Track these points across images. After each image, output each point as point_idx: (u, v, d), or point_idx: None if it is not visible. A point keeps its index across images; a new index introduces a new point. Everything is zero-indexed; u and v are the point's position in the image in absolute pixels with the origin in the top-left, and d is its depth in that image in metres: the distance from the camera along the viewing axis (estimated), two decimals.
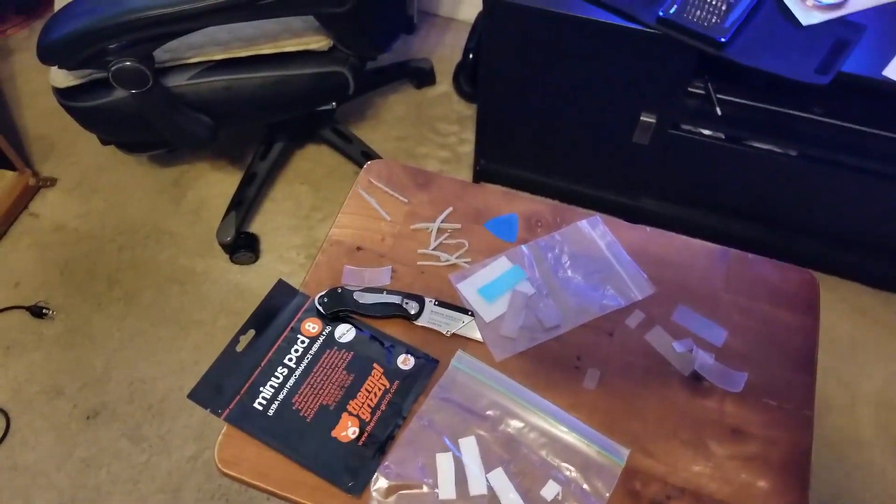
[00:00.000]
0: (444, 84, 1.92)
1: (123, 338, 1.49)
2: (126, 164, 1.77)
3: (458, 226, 0.77)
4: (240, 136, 1.80)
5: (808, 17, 1.21)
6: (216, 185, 1.72)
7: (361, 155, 1.68)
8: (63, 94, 1.17)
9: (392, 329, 0.70)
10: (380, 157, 1.72)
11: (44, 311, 1.50)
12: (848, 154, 1.31)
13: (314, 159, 1.77)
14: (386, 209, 0.78)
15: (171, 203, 1.70)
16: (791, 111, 1.31)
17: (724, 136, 1.38)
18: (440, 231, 0.76)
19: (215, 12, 0.96)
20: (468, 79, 1.84)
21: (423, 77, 1.90)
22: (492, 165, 1.69)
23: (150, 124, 1.18)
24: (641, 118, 1.39)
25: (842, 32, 1.18)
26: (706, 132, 1.39)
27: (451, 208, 0.78)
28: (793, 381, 0.64)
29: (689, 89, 1.35)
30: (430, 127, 1.84)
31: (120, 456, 1.35)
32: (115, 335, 1.49)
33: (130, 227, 1.66)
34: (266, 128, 1.68)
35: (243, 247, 1.58)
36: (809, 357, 0.66)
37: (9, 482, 1.32)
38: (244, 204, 1.59)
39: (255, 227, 1.65)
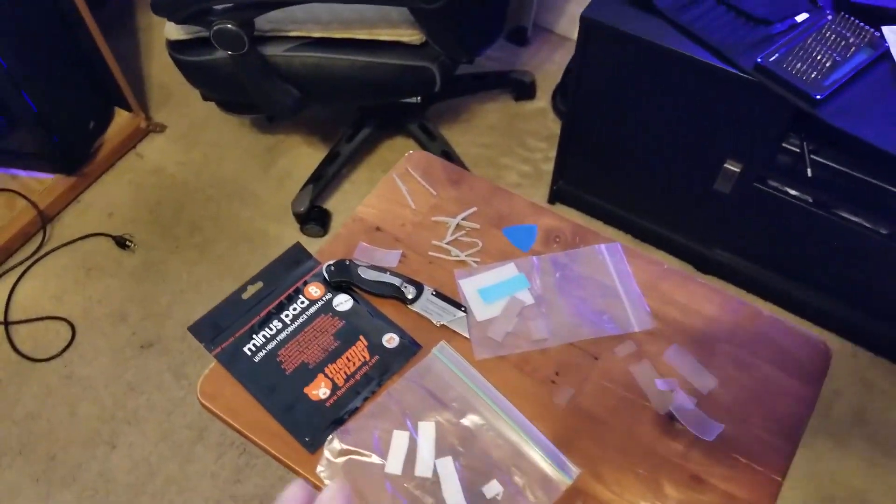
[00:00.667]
0: (542, 100, 1.93)
1: (191, 281, 1.60)
2: (229, 123, 1.89)
3: (477, 226, 0.78)
4: (336, 117, 1.89)
5: None
6: (305, 158, 1.81)
7: (441, 154, 1.72)
8: (173, 46, 1.28)
9: (387, 309, 0.72)
10: (458, 158, 1.75)
11: (127, 242, 1.64)
12: None
13: (400, 150, 1.83)
14: (413, 198, 0.81)
15: (261, 167, 1.80)
16: (890, 187, 1.23)
17: (811, 200, 1.31)
18: (458, 227, 0.78)
19: None
20: (565, 98, 1.84)
21: (522, 90, 1.92)
22: (569, 188, 1.68)
23: (243, 87, 1.27)
24: (726, 165, 1.35)
25: None
26: (793, 192, 1.32)
27: (475, 208, 0.79)
28: (771, 445, 0.61)
29: (784, 145, 1.29)
30: (519, 140, 1.85)
31: (161, 387, 1.45)
32: (184, 278, 1.60)
33: (221, 181, 1.77)
34: (357, 112, 1.75)
35: (314, 220, 1.65)
36: (797, 425, 0.62)
37: (61, 388, 1.45)
38: (322, 180, 1.67)
39: (330, 203, 1.73)
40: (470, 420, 0.64)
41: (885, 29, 1.19)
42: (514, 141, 1.85)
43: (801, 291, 1.48)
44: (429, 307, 0.71)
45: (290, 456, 0.63)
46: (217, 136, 1.87)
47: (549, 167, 1.78)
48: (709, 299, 0.71)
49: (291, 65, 1.28)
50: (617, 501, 0.59)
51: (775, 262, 1.48)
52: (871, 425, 1.36)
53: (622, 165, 1.52)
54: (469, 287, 0.73)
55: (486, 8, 1.38)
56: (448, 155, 1.72)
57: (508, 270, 0.74)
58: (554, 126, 1.87)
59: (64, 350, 1.49)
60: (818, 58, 1.16)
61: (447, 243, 0.77)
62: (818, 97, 1.11)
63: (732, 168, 1.34)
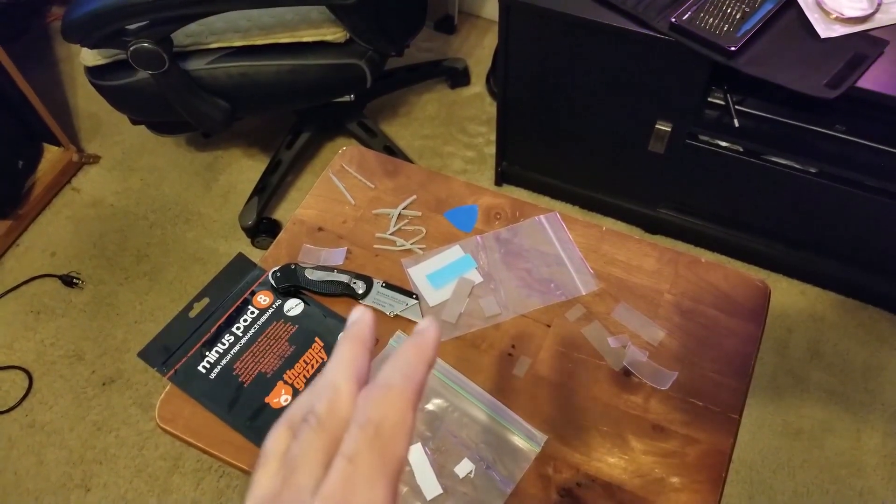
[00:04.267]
0: (477, 85, 1.94)
1: (144, 311, 1.57)
2: (165, 145, 1.86)
3: (419, 213, 0.79)
4: (274, 124, 1.87)
5: (828, 30, 1.18)
6: (247, 171, 1.79)
7: (384, 149, 1.72)
8: (92, 73, 1.25)
9: (339, 307, 0.72)
10: (401, 151, 1.75)
11: (74, 280, 1.60)
12: (870, 174, 1.26)
13: None
14: (352, 194, 0.81)
15: (203, 185, 1.78)
16: (813, 127, 1.28)
17: (742, 150, 1.35)
18: (401, 217, 0.78)
19: None
20: (498, 80, 1.86)
21: (456, 77, 1.93)
22: (513, 168, 1.70)
23: (170, 106, 1.25)
24: (657, 126, 1.38)
25: (862, 47, 1.15)
26: (724, 144, 1.36)
27: (414, 196, 0.80)
28: (723, 385, 0.64)
29: (710, 99, 1.33)
30: (460, 127, 1.86)
31: (129, 422, 1.42)
32: (138, 308, 1.57)
33: (163, 205, 1.74)
34: (294, 117, 1.74)
35: (264, 231, 1.64)
36: (745, 363, 0.65)
37: (25, 438, 1.41)
38: (267, 190, 1.65)
39: (278, 213, 1.71)
40: (434, 404, 0.65)
41: None
42: (455, 128, 1.86)
43: (745, 239, 1.52)
44: (380, 300, 0.71)
45: None
46: (154, 159, 1.83)
47: (492, 150, 1.79)
48: (648, 254, 0.73)
49: (216, 77, 1.26)
50: (586, 461, 0.61)
51: (717, 214, 1.52)
52: (827, 356, 1.42)
53: (560, 139, 1.54)
54: (418, 274, 0.74)
55: None
56: (391, 150, 1.72)
57: (454, 253, 0.75)
58: (492, 109, 1.89)
59: (23, 399, 1.45)
60: (728, 11, 1.19)
61: (391, 234, 0.77)
62: (732, 49, 1.15)
63: (663, 128, 1.37)
